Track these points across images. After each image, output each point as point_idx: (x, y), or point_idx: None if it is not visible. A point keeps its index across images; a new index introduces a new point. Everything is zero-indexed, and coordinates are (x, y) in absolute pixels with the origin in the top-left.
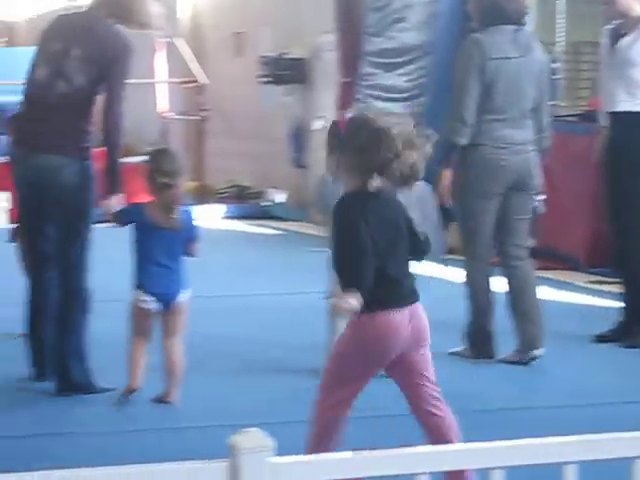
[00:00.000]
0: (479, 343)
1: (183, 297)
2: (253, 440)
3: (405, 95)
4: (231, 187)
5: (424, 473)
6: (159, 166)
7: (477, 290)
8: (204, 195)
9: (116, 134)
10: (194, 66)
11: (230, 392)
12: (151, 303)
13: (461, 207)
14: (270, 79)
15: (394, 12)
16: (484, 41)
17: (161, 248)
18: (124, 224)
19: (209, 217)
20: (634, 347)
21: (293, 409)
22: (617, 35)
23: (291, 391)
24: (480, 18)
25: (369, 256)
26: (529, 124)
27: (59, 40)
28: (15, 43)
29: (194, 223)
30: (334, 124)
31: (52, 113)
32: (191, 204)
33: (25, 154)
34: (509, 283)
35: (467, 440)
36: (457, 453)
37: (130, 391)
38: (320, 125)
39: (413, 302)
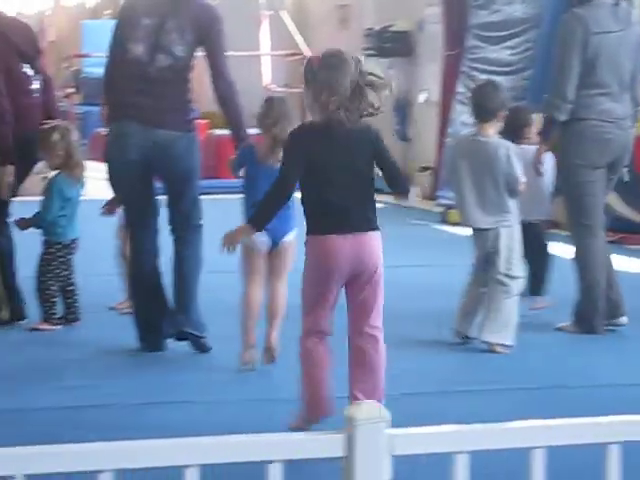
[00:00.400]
0: (586, 318)
1: (291, 236)
2: (369, 411)
3: (510, 68)
4: None
5: (539, 447)
6: (267, 110)
7: (587, 264)
8: None
9: (233, 93)
10: (298, 39)
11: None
12: (261, 239)
13: (568, 181)
14: (374, 52)
15: None
16: (586, 16)
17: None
18: (239, 168)
19: None
20: None
21: (409, 381)
22: None
23: (411, 362)
24: None
25: (286, 185)
26: (627, 98)
27: (150, 15)
28: None
29: None
30: (309, 60)
31: (155, 87)
32: None
33: (134, 129)
34: None
35: (572, 415)
36: (570, 428)
37: (250, 346)
38: (424, 98)
39: (359, 230)
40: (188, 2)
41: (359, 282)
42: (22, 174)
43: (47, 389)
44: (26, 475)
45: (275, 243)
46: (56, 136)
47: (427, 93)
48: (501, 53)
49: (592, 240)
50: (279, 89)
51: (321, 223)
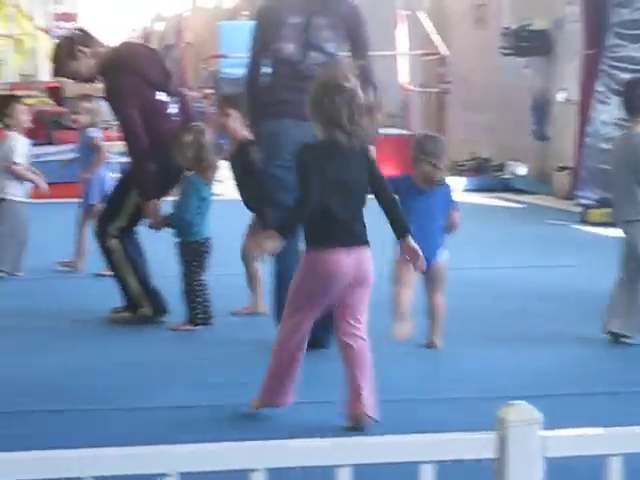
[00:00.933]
0: None
1: (443, 256)
2: (522, 413)
3: None
4: (471, 159)
5: None
6: (422, 147)
7: None
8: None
9: (374, 91)
10: (435, 38)
11: (492, 363)
12: None
13: None
14: (512, 51)
15: None
16: None
17: (424, 213)
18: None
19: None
20: None
21: (550, 381)
22: None
23: (555, 363)
24: None
25: (309, 200)
26: None
27: (297, 14)
28: None
29: (452, 194)
30: (316, 87)
31: (308, 83)
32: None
33: (291, 125)
34: None
35: None
36: None
37: (402, 317)
38: (563, 97)
39: (359, 245)
40: (338, 0)
41: (352, 290)
42: (166, 192)
43: (185, 387)
44: (181, 473)
45: (429, 261)
46: (188, 138)
47: (566, 92)
48: None
49: None
50: (415, 89)
51: (325, 237)
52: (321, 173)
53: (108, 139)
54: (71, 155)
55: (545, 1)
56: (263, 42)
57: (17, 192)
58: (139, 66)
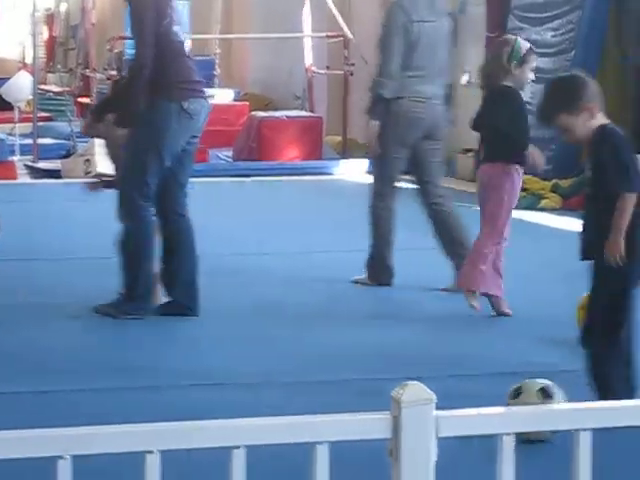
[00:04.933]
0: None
1: None
2: (416, 393)
3: (553, 50)
4: None
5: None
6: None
7: (381, 224)
8: (348, 149)
9: None
10: (339, 20)
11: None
12: None
13: (381, 152)
14: None
15: None
16: (407, 5)
17: None
18: None
19: (353, 172)
20: None
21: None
22: None
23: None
24: None
25: None
26: (440, 81)
27: None
28: None
29: None
30: None
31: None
32: (336, 159)
33: (206, 105)
34: (433, 218)
35: None
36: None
37: None
38: (466, 80)
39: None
40: None
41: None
42: None
43: None
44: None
45: None
46: None
47: (469, 75)
48: (544, 35)
49: (387, 203)
50: (321, 71)
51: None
52: None
53: None
54: None
55: None
56: (156, 23)
57: None
58: None
